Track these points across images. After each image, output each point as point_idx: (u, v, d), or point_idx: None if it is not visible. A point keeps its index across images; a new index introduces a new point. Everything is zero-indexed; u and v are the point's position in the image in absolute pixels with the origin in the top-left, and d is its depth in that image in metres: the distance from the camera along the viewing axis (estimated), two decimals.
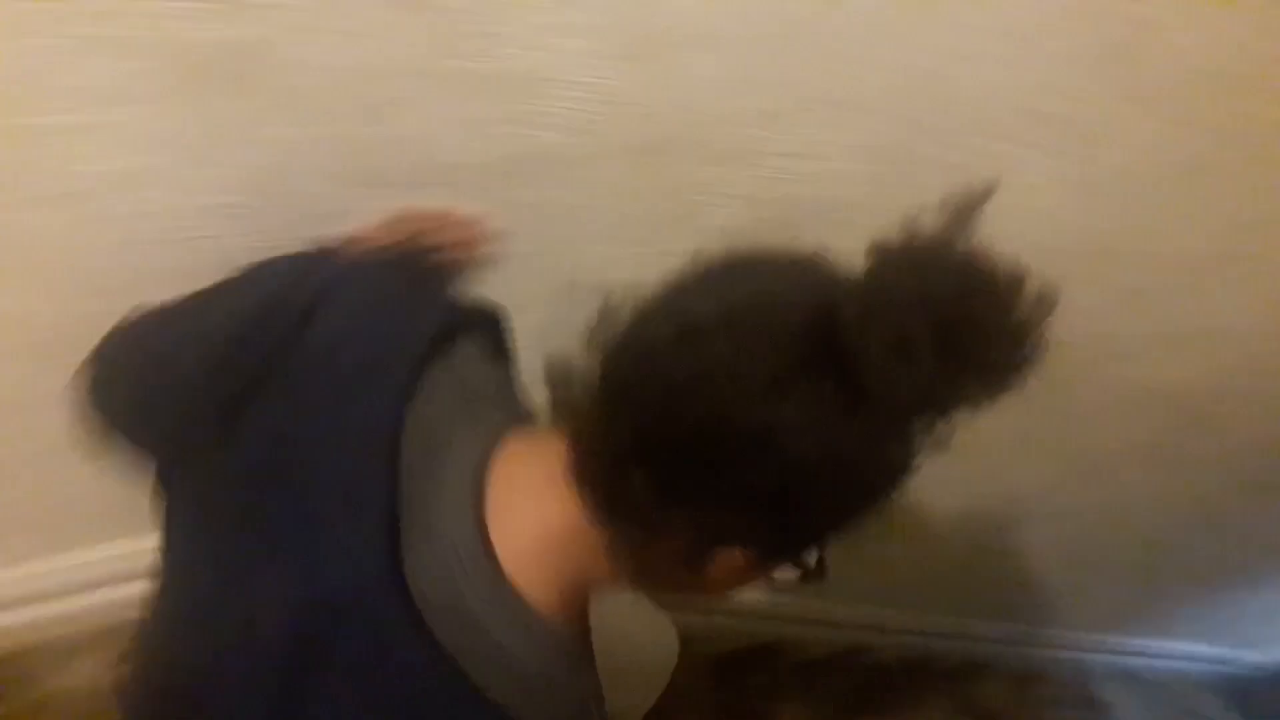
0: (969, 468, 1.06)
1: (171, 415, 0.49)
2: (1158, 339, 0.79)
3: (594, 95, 0.66)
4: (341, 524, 0.42)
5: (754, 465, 0.37)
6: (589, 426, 0.43)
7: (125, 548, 1.07)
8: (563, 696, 0.45)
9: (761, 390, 0.36)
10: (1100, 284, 0.73)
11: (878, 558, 1.10)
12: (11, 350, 0.72)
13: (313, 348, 0.48)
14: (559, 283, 0.81)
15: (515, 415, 0.53)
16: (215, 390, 0.47)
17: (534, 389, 0.59)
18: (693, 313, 0.39)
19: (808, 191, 0.72)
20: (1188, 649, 1.71)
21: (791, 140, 0.69)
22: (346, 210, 0.71)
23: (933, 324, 0.34)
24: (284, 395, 0.46)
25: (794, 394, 0.36)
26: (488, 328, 0.57)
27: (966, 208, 0.38)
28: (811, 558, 0.44)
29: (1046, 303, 0.37)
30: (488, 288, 0.80)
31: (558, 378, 0.45)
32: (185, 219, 0.67)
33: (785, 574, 0.45)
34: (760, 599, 1.34)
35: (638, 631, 0.82)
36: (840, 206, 0.73)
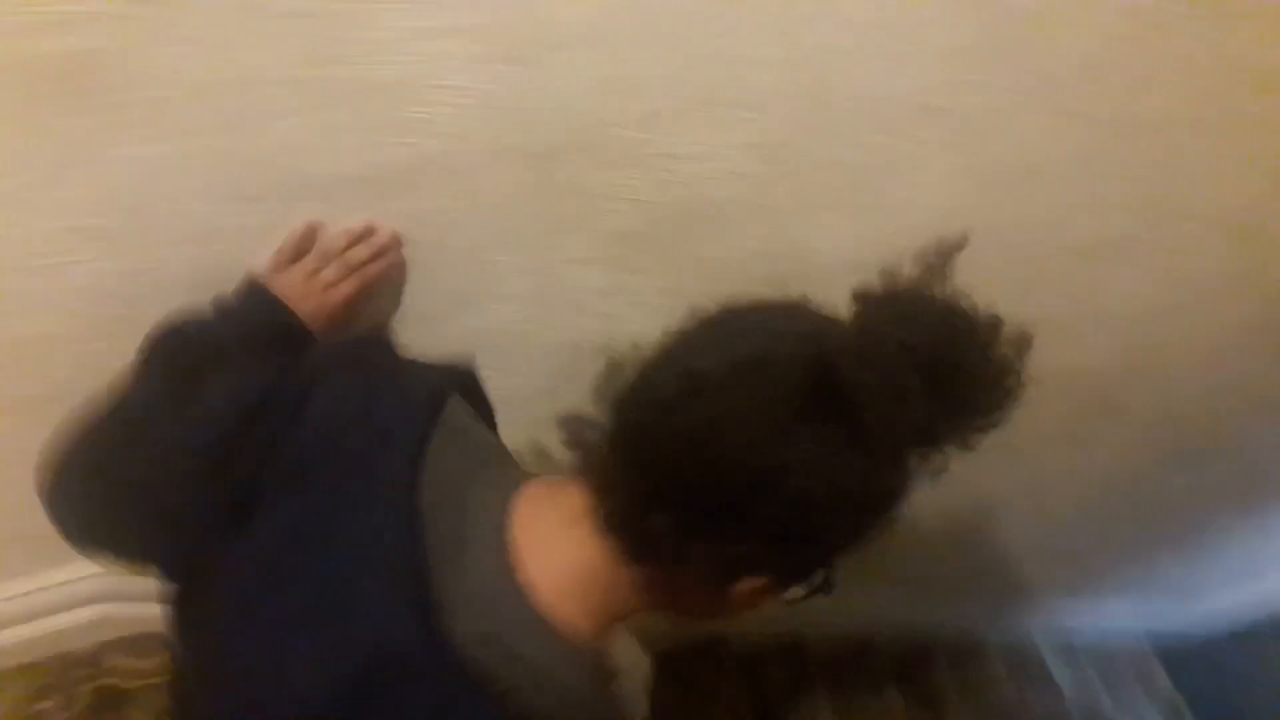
0: None
1: (168, 536, 0.50)
2: (1055, 325, 0.79)
3: (474, 100, 0.64)
4: (374, 589, 0.44)
5: (768, 502, 0.41)
6: (609, 476, 0.46)
7: (43, 581, 1.03)
8: (606, 715, 0.50)
9: (770, 436, 0.40)
10: (995, 274, 0.74)
11: None
12: None
13: (313, 436, 0.50)
14: (462, 294, 0.79)
15: (517, 467, 0.58)
16: (211, 503, 0.48)
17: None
18: (698, 367, 0.43)
19: (698, 193, 0.71)
20: (1125, 621, 1.77)
21: (678, 142, 0.67)
22: (219, 228, 0.68)
23: (922, 368, 0.38)
24: (294, 484, 0.48)
25: (800, 437, 0.40)
26: (467, 385, 0.61)
27: (941, 255, 0.43)
28: (820, 576, 0.48)
29: (1023, 343, 0.42)
30: (396, 302, 0.78)
31: (572, 431, 0.50)
32: (39, 245, 0.64)
33: (795, 592, 0.49)
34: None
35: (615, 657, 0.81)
36: (733, 208, 0.72)
